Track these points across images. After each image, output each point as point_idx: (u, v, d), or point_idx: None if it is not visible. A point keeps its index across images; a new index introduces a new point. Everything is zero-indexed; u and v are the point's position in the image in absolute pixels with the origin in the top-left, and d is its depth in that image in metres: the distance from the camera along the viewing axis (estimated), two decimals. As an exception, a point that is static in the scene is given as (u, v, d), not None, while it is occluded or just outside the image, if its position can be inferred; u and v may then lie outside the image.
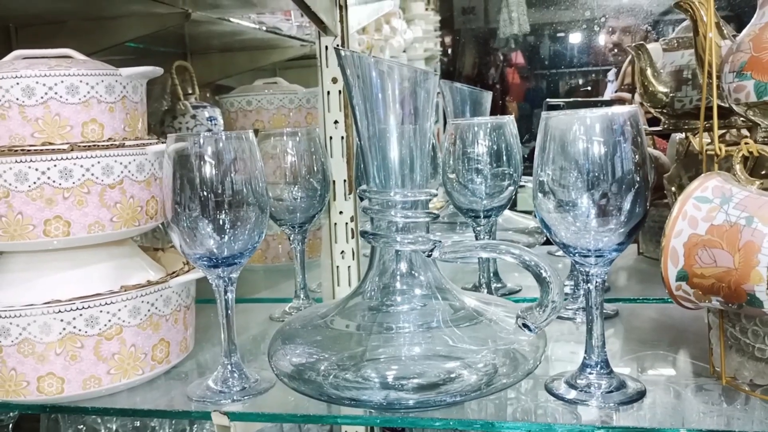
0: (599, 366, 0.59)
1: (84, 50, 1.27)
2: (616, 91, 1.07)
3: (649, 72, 1.00)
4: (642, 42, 1.00)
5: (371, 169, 0.62)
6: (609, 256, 0.57)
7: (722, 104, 0.60)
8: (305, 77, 1.41)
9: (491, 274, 0.91)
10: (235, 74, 1.75)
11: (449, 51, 4.65)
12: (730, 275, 0.49)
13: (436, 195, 0.65)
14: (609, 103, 1.25)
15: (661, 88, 0.98)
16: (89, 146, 0.64)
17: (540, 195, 0.58)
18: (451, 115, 1.03)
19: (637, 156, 0.55)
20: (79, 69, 0.65)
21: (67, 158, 0.62)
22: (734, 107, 0.58)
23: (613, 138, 0.55)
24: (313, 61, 0.94)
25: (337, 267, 0.93)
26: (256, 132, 0.92)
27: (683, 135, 1.00)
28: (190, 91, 1.49)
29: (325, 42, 0.90)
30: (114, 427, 1.00)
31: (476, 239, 0.86)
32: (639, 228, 0.56)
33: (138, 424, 1.00)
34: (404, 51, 3.26)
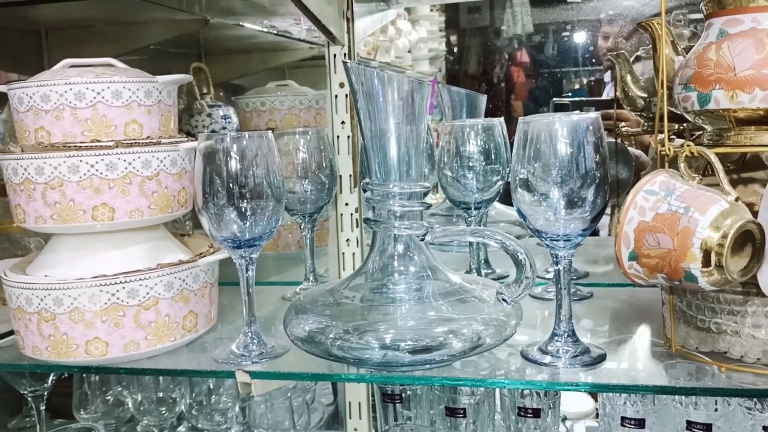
0: (566, 335, 0.69)
1: (108, 53, 1.37)
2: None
3: (628, 78, 1.09)
4: (622, 51, 1.10)
5: (373, 165, 0.72)
6: (575, 240, 0.67)
7: (675, 111, 0.70)
8: (314, 78, 1.51)
9: (481, 261, 1.01)
10: (247, 75, 1.84)
11: (454, 50, 4.73)
12: (670, 255, 0.59)
13: (429, 187, 0.75)
14: (610, 103, 1.32)
15: (640, 93, 1.08)
16: (131, 143, 0.74)
17: (518, 189, 0.68)
18: (449, 116, 1.12)
19: (598, 156, 0.65)
20: (122, 77, 0.75)
21: (112, 153, 0.73)
22: (685, 114, 0.68)
23: (578, 140, 0.65)
24: (320, 62, 1.04)
25: (343, 253, 1.03)
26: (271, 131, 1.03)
27: (659, 136, 1.09)
28: (205, 91, 1.59)
29: (333, 51, 1.01)
30: (139, 398, 1.10)
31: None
32: (600, 216, 0.66)
33: (161, 395, 1.10)
34: (409, 51, 3.35)
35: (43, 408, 1.11)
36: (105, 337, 0.72)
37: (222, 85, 1.82)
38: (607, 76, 2.95)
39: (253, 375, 0.70)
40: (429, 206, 0.74)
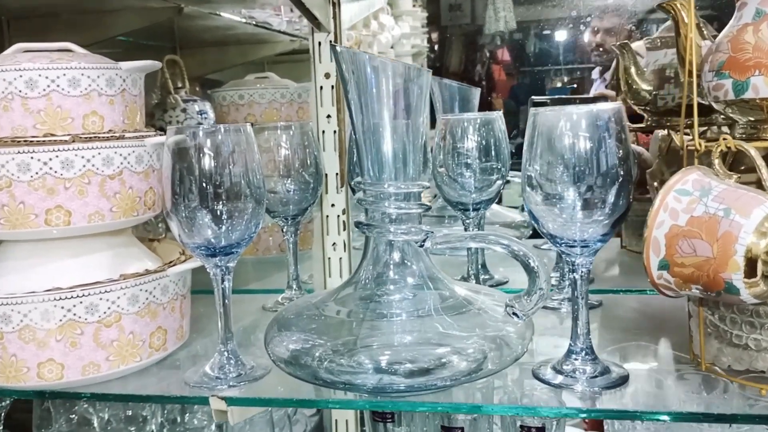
0: (584, 352, 0.62)
1: (76, 43, 1.27)
2: (606, 86, 1.10)
3: (632, 70, 1.02)
4: (626, 41, 1.03)
5: (365, 162, 0.64)
6: (594, 247, 0.60)
7: (702, 102, 0.62)
8: (295, 72, 1.43)
9: (479, 266, 0.93)
10: (225, 69, 1.76)
11: (436, 47, 4.67)
12: (708, 264, 0.51)
13: (428, 187, 0.67)
14: (593, 101, 1.28)
15: (645, 86, 1.01)
16: (90, 138, 0.65)
17: (528, 188, 0.61)
18: (440, 110, 1.05)
19: (620, 151, 0.57)
20: (81, 62, 0.66)
21: (68, 149, 0.64)
22: (714, 105, 0.61)
23: (598, 133, 0.57)
24: (302, 56, 0.96)
25: (329, 258, 0.95)
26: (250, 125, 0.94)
27: (665, 132, 1.02)
28: (180, 85, 1.50)
29: (318, 38, 0.92)
30: (106, 417, 1.01)
31: (465, 231, 0.89)
32: (623, 220, 0.59)
33: (130, 413, 1.01)
34: (392, 47, 3.27)
35: (1, 428, 1.02)
36: (60, 359, 0.63)
37: (198, 80, 1.73)
38: (595, 73, 2.89)
39: (230, 401, 0.61)
40: (428, 208, 0.66)
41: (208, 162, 0.62)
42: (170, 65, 1.49)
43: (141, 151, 0.69)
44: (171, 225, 0.63)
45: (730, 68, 0.57)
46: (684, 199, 0.54)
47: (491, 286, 0.96)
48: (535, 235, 1.17)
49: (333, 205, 0.94)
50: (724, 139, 0.55)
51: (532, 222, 0.62)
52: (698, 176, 0.55)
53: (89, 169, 0.65)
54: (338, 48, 0.63)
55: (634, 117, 1.17)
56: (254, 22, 1.56)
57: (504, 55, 4.75)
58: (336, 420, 0.96)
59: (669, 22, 0.99)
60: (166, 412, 1.00)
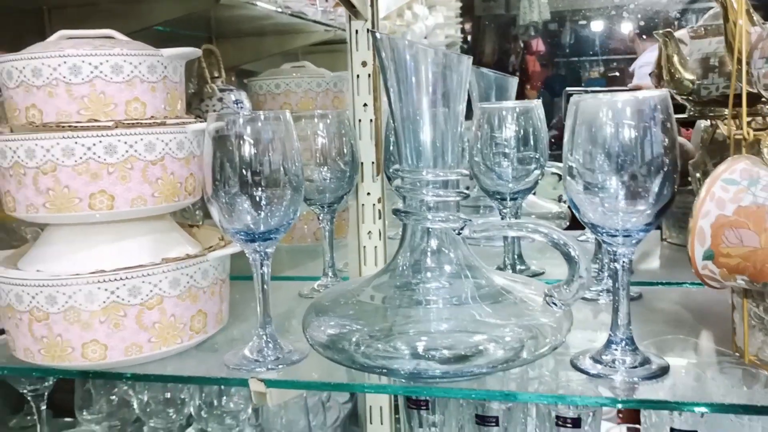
0: (624, 342, 0.61)
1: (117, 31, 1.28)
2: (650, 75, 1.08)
3: (675, 59, 1.00)
4: (669, 29, 1.01)
5: (404, 150, 0.64)
6: (636, 237, 0.59)
7: (751, 90, 0.61)
8: (329, 62, 1.42)
9: (515, 257, 0.92)
10: (260, 59, 1.77)
11: (469, 38, 4.64)
12: (756, 255, 0.50)
13: (467, 175, 0.66)
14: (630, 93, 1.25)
15: (688, 76, 0.99)
16: (132, 124, 0.66)
17: (569, 177, 0.60)
18: (477, 99, 1.04)
19: (666, 139, 0.56)
20: (123, 49, 0.67)
21: (111, 135, 0.65)
22: (764, 93, 0.59)
23: (643, 122, 0.56)
24: (336, 46, 0.96)
25: (364, 247, 0.95)
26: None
27: (708, 122, 1.00)
28: (216, 75, 1.51)
29: (355, 26, 0.92)
30: (145, 399, 1.03)
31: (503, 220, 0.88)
32: (667, 210, 0.58)
33: (168, 396, 1.03)
34: (425, 37, 3.26)
35: (44, 407, 1.04)
36: (104, 340, 0.65)
37: (233, 69, 1.75)
38: (635, 64, 2.84)
39: (269, 383, 0.62)
40: (467, 196, 0.66)
41: (247, 149, 0.63)
42: (207, 55, 1.51)
43: (182, 138, 0.69)
44: (212, 210, 0.64)
45: (781, 54, 0.55)
46: (731, 189, 0.53)
47: (527, 276, 0.95)
48: (572, 227, 1.16)
49: (369, 193, 0.93)
50: (774, 127, 0.53)
51: (574, 211, 0.62)
52: (746, 165, 0.54)
53: (132, 154, 0.66)
54: (378, 35, 0.63)
55: (674, 108, 1.15)
56: (289, 12, 1.56)
57: (539, 45, 4.70)
58: (371, 407, 0.96)
59: (714, 11, 0.97)
60: (203, 395, 1.02)
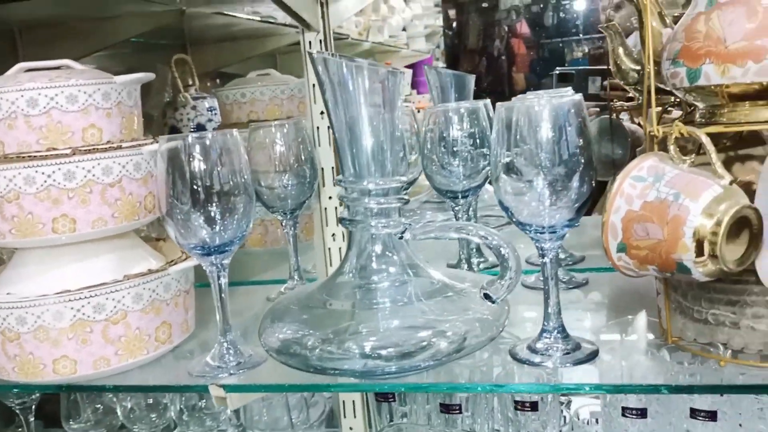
0: (556, 331, 0.65)
1: (87, 50, 1.32)
2: None
3: (621, 51, 1.04)
4: (613, 23, 1.04)
5: (345, 161, 0.68)
6: (561, 232, 0.63)
7: (664, 88, 0.65)
8: (307, 63, 1.46)
9: (472, 250, 0.97)
10: (238, 62, 1.80)
11: (453, 25, 4.66)
12: (660, 246, 0.54)
13: (405, 182, 0.70)
14: None
15: (633, 66, 1.02)
16: (89, 150, 0.70)
17: (499, 179, 0.64)
18: (437, 99, 1.08)
19: (581, 140, 0.60)
20: (78, 79, 0.71)
21: (70, 162, 0.69)
22: (674, 92, 0.63)
23: (559, 124, 0.60)
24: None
25: (329, 249, 0.99)
26: (246, 124, 0.98)
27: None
28: (190, 83, 1.55)
29: (308, 37, 0.96)
30: (129, 405, 1.07)
31: (455, 218, 0.92)
32: (586, 204, 0.62)
33: (151, 401, 1.07)
34: (404, 29, 3.28)
35: (32, 419, 1.09)
36: (73, 355, 0.69)
37: (211, 75, 1.78)
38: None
39: (228, 388, 0.66)
40: (407, 201, 0.70)
41: (198, 166, 0.66)
42: (179, 64, 1.54)
43: (138, 159, 0.73)
44: (167, 228, 0.68)
45: (684, 57, 0.59)
46: (639, 185, 0.57)
47: (486, 268, 0.99)
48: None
49: (330, 197, 0.97)
50: (677, 125, 0.57)
51: (504, 211, 0.66)
52: (654, 162, 0.58)
53: (90, 179, 0.70)
54: (314, 55, 0.67)
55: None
56: (259, 18, 1.60)
57: (522, 28, 4.71)
58: (344, 402, 1.01)
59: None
60: (184, 399, 1.06)
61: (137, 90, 0.78)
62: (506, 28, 4.76)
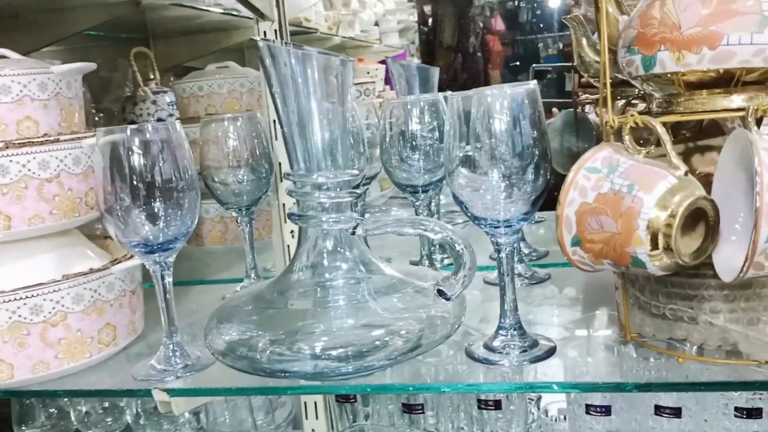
0: (513, 328, 0.63)
1: (40, 42, 1.27)
2: None
3: (584, 42, 1.02)
4: (576, 14, 1.03)
5: (294, 154, 0.65)
6: (516, 226, 0.61)
7: (621, 77, 0.63)
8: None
9: (433, 246, 0.94)
10: (202, 56, 1.76)
11: (428, 21, 4.64)
12: (614, 239, 0.53)
13: (360, 176, 0.68)
14: None
15: (596, 57, 1.01)
16: (24, 143, 0.66)
17: (451, 173, 0.62)
18: (401, 92, 1.05)
19: (535, 131, 0.58)
20: (12, 69, 0.67)
21: (3, 156, 0.65)
22: (631, 81, 0.61)
23: (513, 115, 0.58)
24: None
25: (288, 246, 0.96)
26: (198, 118, 0.95)
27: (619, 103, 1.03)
28: (151, 77, 1.51)
29: (263, 27, 0.93)
30: (84, 409, 1.03)
31: (416, 213, 0.90)
32: (542, 198, 0.60)
33: (107, 404, 1.04)
34: (376, 24, 3.25)
35: (-17, 425, 1.05)
36: (10, 359, 0.65)
37: (175, 69, 1.74)
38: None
39: (173, 393, 0.63)
40: (359, 195, 0.67)
41: (137, 160, 0.63)
42: (139, 57, 1.50)
43: (78, 153, 0.70)
44: (107, 226, 0.65)
45: (639, 44, 0.57)
46: (593, 177, 0.55)
47: (449, 264, 0.97)
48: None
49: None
50: (632, 114, 0.55)
51: (458, 205, 0.63)
52: (608, 153, 0.56)
53: (25, 174, 0.66)
54: (259, 43, 0.64)
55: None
56: (221, 10, 1.56)
57: (497, 24, 4.71)
58: (305, 403, 0.98)
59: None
60: (140, 402, 1.03)
61: (78, 81, 0.74)
62: (481, 25, 4.75)
